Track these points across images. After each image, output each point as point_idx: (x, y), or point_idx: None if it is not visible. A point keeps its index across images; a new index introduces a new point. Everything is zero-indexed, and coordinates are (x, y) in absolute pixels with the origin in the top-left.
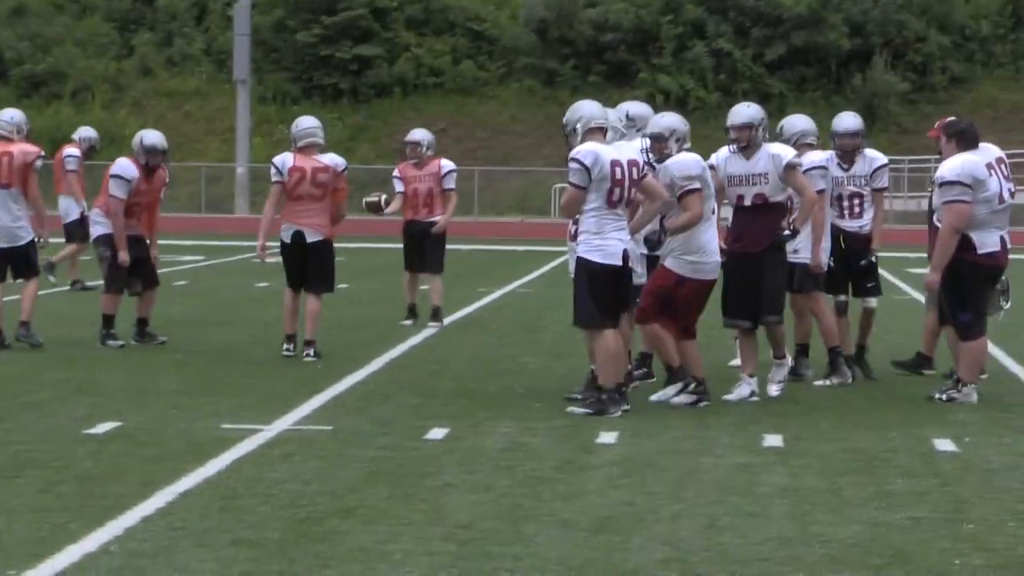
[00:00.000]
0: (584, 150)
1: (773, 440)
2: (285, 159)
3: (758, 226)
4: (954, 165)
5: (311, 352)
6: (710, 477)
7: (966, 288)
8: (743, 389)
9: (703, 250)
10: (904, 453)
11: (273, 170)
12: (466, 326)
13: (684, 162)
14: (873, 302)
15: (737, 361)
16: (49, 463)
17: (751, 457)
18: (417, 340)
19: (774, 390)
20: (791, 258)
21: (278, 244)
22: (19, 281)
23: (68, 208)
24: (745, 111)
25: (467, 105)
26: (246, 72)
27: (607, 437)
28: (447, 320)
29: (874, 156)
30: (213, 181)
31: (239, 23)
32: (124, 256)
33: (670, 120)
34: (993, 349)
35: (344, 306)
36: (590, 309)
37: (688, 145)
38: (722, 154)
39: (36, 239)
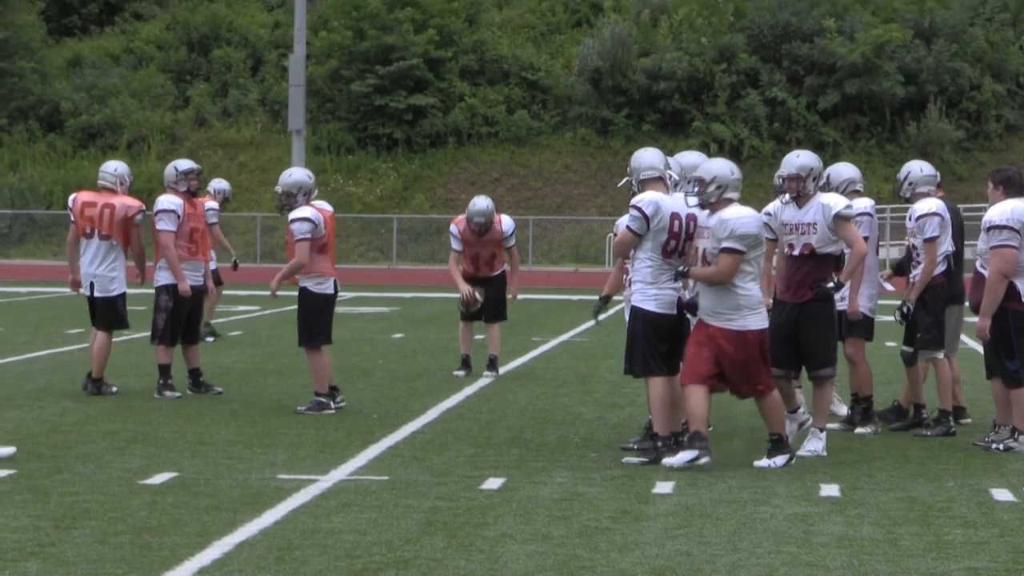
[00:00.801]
0: (647, 199)
1: (830, 490)
2: (318, 213)
3: (804, 276)
4: (1004, 210)
5: (341, 397)
6: (767, 527)
7: (1012, 336)
8: (816, 444)
9: (760, 303)
10: (962, 503)
11: (309, 226)
12: (521, 376)
13: (747, 221)
14: (929, 354)
15: None
16: (105, 514)
17: (808, 507)
18: (472, 390)
19: (802, 453)
20: (838, 306)
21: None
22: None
23: None
24: (794, 161)
25: (521, 154)
26: (301, 122)
27: (663, 487)
28: (502, 370)
29: (915, 207)
30: (268, 231)
31: (294, 74)
32: (185, 285)
33: (717, 166)
34: None
35: (399, 356)
36: (644, 358)
37: (730, 195)
38: (778, 202)
39: (141, 283)
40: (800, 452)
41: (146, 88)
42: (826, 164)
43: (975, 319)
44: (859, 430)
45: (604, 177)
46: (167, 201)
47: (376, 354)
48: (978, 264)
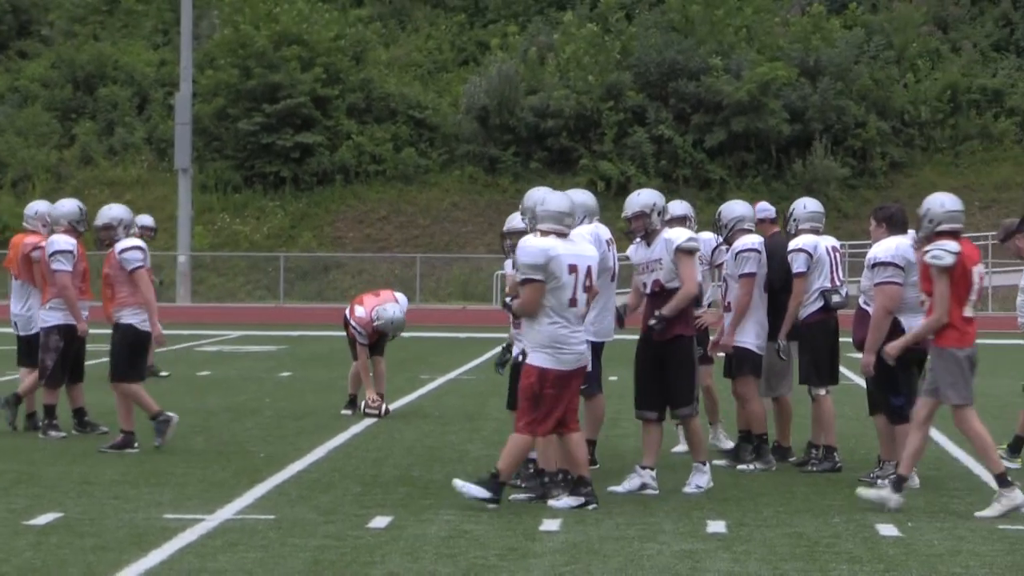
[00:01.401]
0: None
1: (716, 526)
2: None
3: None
4: (888, 247)
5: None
6: (654, 564)
7: (897, 372)
8: (633, 481)
9: (562, 342)
10: (847, 538)
11: (141, 255)
12: (408, 414)
13: (528, 250)
14: (814, 391)
15: (679, 448)
16: None
17: (695, 543)
18: (359, 428)
19: (688, 490)
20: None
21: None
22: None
23: None
24: (636, 200)
25: (408, 192)
26: (187, 161)
27: (551, 524)
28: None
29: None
30: (154, 270)
31: (180, 112)
32: (83, 326)
33: (533, 195)
34: (934, 434)
35: (286, 395)
36: None
37: (544, 226)
38: (635, 243)
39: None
40: (685, 489)
41: (31, 126)
42: (714, 202)
43: (860, 355)
44: (740, 467)
45: (492, 215)
46: (65, 241)
47: (263, 393)
48: (861, 301)
